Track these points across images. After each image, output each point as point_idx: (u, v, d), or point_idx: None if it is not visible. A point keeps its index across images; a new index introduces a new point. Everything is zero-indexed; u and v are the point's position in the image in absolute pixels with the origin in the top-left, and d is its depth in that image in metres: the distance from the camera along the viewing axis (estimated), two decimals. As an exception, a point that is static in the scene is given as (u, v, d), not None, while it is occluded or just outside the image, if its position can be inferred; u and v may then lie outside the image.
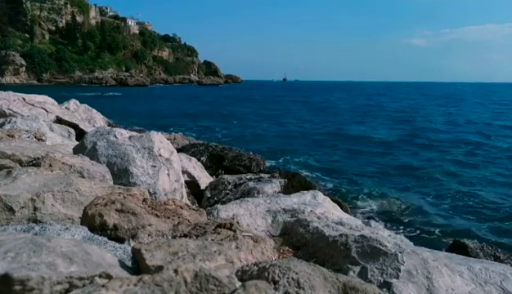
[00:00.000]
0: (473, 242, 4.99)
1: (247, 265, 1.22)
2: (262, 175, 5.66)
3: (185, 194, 4.06)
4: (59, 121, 6.55)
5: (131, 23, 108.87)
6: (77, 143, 4.48)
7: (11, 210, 1.73)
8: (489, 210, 8.71)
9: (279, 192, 4.58)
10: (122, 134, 3.78)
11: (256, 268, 1.17)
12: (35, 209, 1.78)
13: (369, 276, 2.04)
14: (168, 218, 1.79)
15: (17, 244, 1.02)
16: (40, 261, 0.96)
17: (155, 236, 1.63)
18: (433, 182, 11.03)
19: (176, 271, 0.99)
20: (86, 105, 8.77)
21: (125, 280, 0.92)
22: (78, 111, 8.17)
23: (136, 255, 1.18)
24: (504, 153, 15.61)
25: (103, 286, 0.89)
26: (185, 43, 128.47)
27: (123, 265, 1.17)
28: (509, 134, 20.88)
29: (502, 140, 18.68)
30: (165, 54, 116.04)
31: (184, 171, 4.92)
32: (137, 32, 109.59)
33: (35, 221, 1.74)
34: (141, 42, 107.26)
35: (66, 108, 7.93)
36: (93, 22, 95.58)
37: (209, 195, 5.01)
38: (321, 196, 3.47)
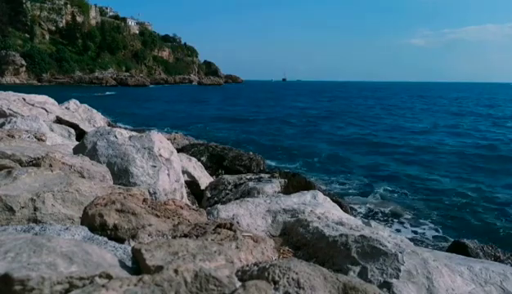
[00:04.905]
0: (473, 242, 4.98)
1: (247, 265, 1.22)
2: (262, 175, 5.65)
3: (185, 194, 4.06)
4: (59, 121, 6.55)
5: (131, 23, 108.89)
6: (77, 143, 4.48)
7: (11, 210, 1.73)
8: (490, 210, 8.71)
9: (279, 192, 4.58)
10: (122, 134, 3.77)
11: (256, 268, 1.17)
12: (35, 209, 1.77)
13: (369, 276, 2.04)
14: (168, 218, 1.79)
15: (17, 244, 1.02)
16: (40, 261, 0.96)
17: (155, 236, 1.62)
18: (433, 182, 11.04)
19: (176, 271, 0.99)
20: (86, 105, 8.77)
21: (125, 280, 0.92)
22: (78, 111, 8.17)
23: (137, 255, 1.18)
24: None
25: (103, 286, 0.89)
26: (185, 43, 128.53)
27: (123, 265, 1.17)
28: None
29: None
30: (165, 54, 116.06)
31: (184, 171, 4.91)
32: (137, 32, 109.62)
33: (35, 221, 1.73)
34: (141, 42, 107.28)
35: (66, 108, 7.93)
36: (93, 22, 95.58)
37: (209, 195, 5.01)
38: (321, 196, 3.47)
